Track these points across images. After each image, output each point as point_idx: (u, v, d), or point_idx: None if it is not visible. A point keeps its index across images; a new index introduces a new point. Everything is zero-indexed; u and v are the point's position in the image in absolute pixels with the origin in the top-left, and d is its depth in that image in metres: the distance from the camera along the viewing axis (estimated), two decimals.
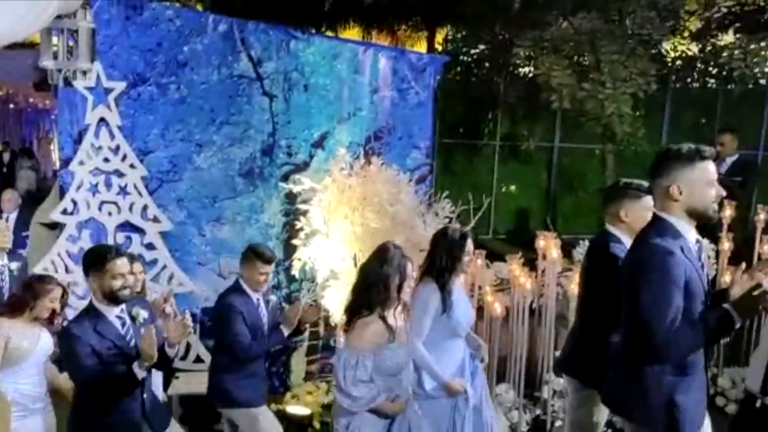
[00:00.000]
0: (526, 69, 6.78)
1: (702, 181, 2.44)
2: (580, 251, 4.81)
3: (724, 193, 2.53)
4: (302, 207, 5.11)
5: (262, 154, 5.31)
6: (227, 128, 5.22)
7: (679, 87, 7.45)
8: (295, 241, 5.11)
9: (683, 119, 7.52)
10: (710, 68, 6.50)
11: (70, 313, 3.67)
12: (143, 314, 3.14)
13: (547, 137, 7.66)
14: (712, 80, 7.02)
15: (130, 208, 5.01)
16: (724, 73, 6.01)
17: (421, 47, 8.75)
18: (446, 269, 3.34)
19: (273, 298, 3.98)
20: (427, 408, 3.23)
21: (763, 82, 7.59)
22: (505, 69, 6.53)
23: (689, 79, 7.31)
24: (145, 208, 5.03)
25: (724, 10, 6.99)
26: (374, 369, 2.84)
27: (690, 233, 2.47)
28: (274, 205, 5.34)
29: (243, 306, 3.64)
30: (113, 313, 3.01)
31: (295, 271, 5.17)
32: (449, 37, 7.71)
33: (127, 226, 5.04)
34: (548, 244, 4.18)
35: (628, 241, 2.95)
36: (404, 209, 4.74)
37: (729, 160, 5.45)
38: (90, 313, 3.00)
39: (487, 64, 7.04)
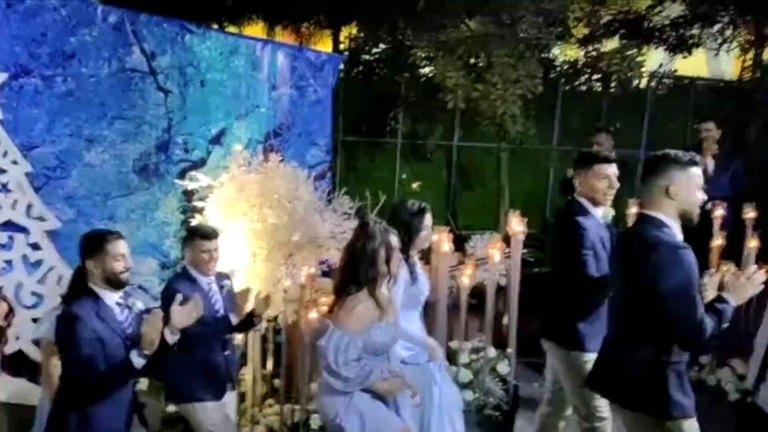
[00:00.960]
0: (426, 69, 6.99)
1: (693, 185, 2.69)
2: (471, 245, 5.03)
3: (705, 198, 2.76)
4: (199, 204, 5.04)
5: (157, 151, 5.18)
6: (120, 123, 5.05)
7: (568, 89, 7.90)
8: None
9: (572, 120, 7.98)
10: (595, 72, 6.95)
11: None
12: (139, 304, 3.04)
13: (447, 136, 7.92)
14: (598, 83, 7.50)
15: (13, 206, 4.74)
16: (606, 77, 6.44)
17: (327, 45, 8.82)
18: (405, 242, 3.29)
19: (227, 282, 3.78)
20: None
21: (643, 85, 8.22)
22: (406, 69, 6.70)
23: (577, 82, 7.78)
24: (29, 206, 4.78)
25: (609, 17, 7.50)
26: (363, 348, 2.81)
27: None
28: (170, 202, 5.23)
29: (190, 293, 3.37)
30: (113, 299, 2.92)
31: None
32: (352, 36, 7.79)
33: (9, 226, 4.77)
34: (440, 239, 4.35)
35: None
36: (302, 206, 4.78)
37: None
38: (90, 297, 2.89)
39: (388, 64, 7.19)
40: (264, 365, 4.50)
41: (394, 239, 2.92)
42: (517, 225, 4.30)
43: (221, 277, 3.77)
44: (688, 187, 2.68)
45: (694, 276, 2.60)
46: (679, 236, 2.70)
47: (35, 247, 4.82)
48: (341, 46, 8.34)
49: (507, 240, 4.62)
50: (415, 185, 8.12)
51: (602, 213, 3.39)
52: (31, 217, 4.79)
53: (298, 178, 4.89)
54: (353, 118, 7.61)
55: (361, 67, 7.58)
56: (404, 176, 8.11)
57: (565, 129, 8.04)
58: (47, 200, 4.85)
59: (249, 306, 3.62)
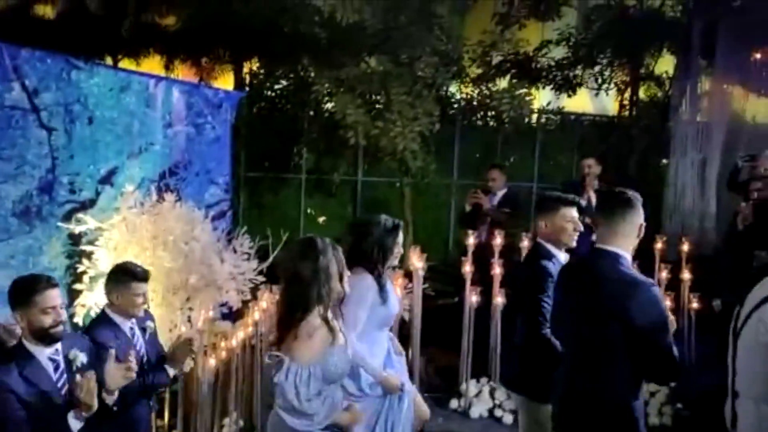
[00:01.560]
0: (329, 105, 7.05)
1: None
2: None
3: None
4: (87, 248, 4.76)
5: (39, 192, 4.84)
6: None
7: (466, 125, 8.22)
8: (78, 286, 4.73)
9: (470, 154, 8.29)
10: (488, 110, 7.27)
11: None
12: (81, 357, 2.75)
13: (351, 171, 7.98)
14: (492, 120, 7.85)
15: None
16: (498, 114, 6.75)
17: (228, 80, 8.69)
18: (378, 260, 3.15)
19: (151, 324, 3.49)
20: (363, 408, 2.99)
21: (534, 122, 8.70)
22: (308, 105, 6.72)
23: (474, 118, 8.11)
24: None
25: (500, 58, 7.91)
26: (322, 378, 2.56)
27: None
28: (54, 246, 4.89)
29: (113, 340, 3.13)
30: (45, 355, 2.64)
31: (79, 319, 4.77)
32: (253, 72, 7.74)
33: None
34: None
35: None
36: (200, 247, 4.63)
37: (499, 194, 6.09)
38: (17, 354, 2.62)
39: (291, 100, 7.19)
40: (160, 416, 4.27)
41: (342, 256, 2.69)
42: (417, 261, 4.37)
43: (142, 318, 3.46)
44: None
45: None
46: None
47: None
48: (245, 81, 8.26)
49: (410, 275, 4.68)
50: (320, 220, 8.09)
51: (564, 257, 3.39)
52: None
53: (195, 218, 4.75)
54: (256, 154, 7.52)
55: (263, 103, 7.53)
56: (309, 211, 8.07)
57: (464, 163, 8.33)
58: None
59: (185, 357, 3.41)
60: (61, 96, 4.85)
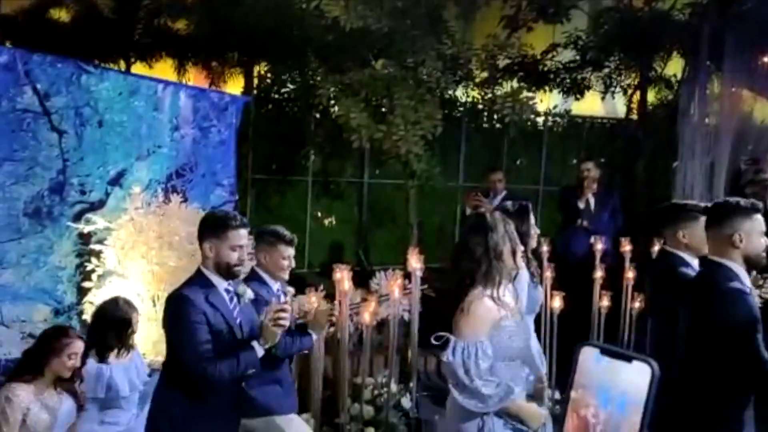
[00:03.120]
0: (335, 108, 7.15)
1: (757, 231, 2.73)
2: (376, 281, 5.12)
3: None
4: (96, 247, 4.89)
5: (50, 193, 5.00)
6: (9, 165, 4.85)
7: (472, 128, 8.27)
8: (87, 284, 4.86)
9: (477, 157, 8.33)
10: (491, 113, 7.32)
11: None
12: (249, 293, 2.88)
13: (357, 174, 8.06)
14: (497, 123, 7.89)
15: None
16: (500, 118, 6.79)
17: (239, 83, 8.83)
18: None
19: (291, 289, 3.75)
20: None
21: (541, 125, 8.73)
22: (314, 108, 6.82)
23: (479, 122, 8.16)
24: None
25: (508, 61, 7.95)
26: (494, 354, 2.42)
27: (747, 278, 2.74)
28: (65, 246, 5.04)
29: (265, 296, 3.24)
30: (222, 286, 2.79)
31: (88, 316, 4.90)
32: (261, 75, 7.86)
33: None
34: (342, 276, 4.41)
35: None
36: None
37: (500, 197, 6.15)
38: (200, 280, 2.76)
39: (297, 103, 7.29)
40: None
41: (514, 231, 2.61)
42: (415, 262, 4.44)
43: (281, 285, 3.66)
44: (752, 233, 2.74)
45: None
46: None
47: None
48: (254, 85, 8.39)
49: (409, 276, 4.75)
50: (327, 222, 8.18)
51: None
52: None
53: (200, 220, 4.85)
54: (263, 157, 7.63)
55: (270, 106, 7.64)
56: (316, 213, 8.17)
57: (470, 166, 8.38)
58: None
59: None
60: (71, 99, 5.01)
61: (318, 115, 7.13)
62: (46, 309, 4.96)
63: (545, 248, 5.09)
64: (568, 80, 8.38)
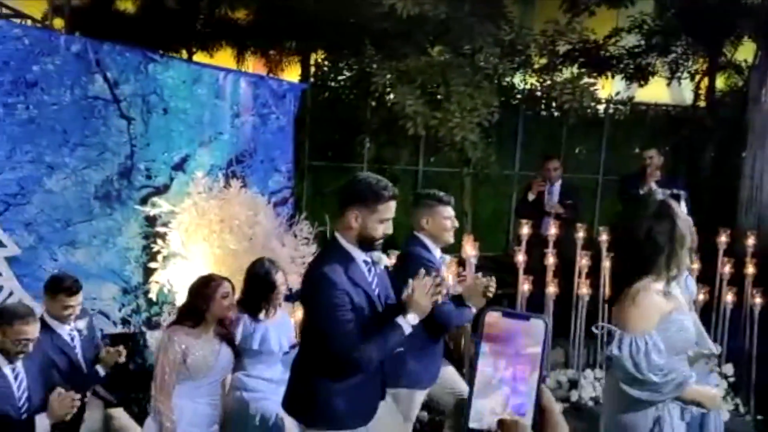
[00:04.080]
0: (391, 96, 7.18)
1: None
2: None
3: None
4: (161, 230, 5.09)
5: (119, 177, 5.23)
6: (81, 150, 5.10)
7: (530, 115, 8.14)
8: (153, 264, 5.07)
9: (533, 145, 8.20)
10: (549, 101, 7.19)
11: None
12: (385, 260, 2.75)
13: (412, 161, 8.07)
14: (556, 110, 7.74)
15: None
16: (559, 105, 6.66)
17: (295, 71, 8.97)
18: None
19: (447, 257, 3.72)
20: None
21: (601, 113, 8.51)
22: (370, 96, 6.86)
23: (537, 109, 8.03)
24: None
25: (568, 47, 7.77)
26: (665, 349, 2.28)
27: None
28: (132, 228, 5.26)
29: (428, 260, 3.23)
30: (362, 258, 2.59)
31: (153, 295, 5.12)
32: (318, 64, 7.96)
33: None
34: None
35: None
36: (262, 231, 4.87)
37: (557, 184, 6.04)
38: (339, 254, 2.54)
39: (353, 90, 7.35)
40: None
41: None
42: (470, 249, 4.43)
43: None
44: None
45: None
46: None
47: None
48: (310, 72, 8.51)
49: (463, 263, 4.75)
50: None
51: None
52: None
53: (258, 204, 4.99)
54: (320, 144, 7.74)
55: (327, 93, 7.74)
56: None
57: (527, 154, 8.26)
58: (7, 226, 4.86)
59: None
60: (139, 87, 5.20)
61: (374, 103, 7.16)
62: (114, 288, 5.20)
63: (604, 237, 5.00)
64: (631, 66, 8.13)
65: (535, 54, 7.44)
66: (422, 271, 2.61)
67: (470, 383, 0.95)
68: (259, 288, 3.62)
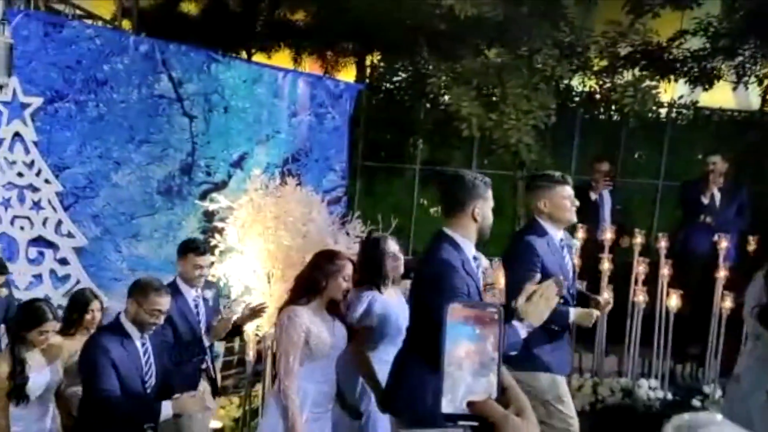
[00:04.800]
0: (446, 97, 7.17)
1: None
2: (487, 270, 5.10)
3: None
4: (219, 225, 5.24)
5: (181, 173, 5.43)
6: (146, 147, 5.32)
7: (588, 118, 7.97)
8: (210, 258, 5.21)
9: (591, 148, 8.02)
10: (609, 104, 7.04)
11: None
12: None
13: (466, 163, 8.03)
14: (615, 114, 7.57)
15: (44, 223, 5.02)
16: (619, 108, 6.52)
17: (351, 72, 9.06)
18: None
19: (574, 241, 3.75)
20: None
21: (664, 116, 8.25)
22: (424, 97, 6.87)
23: (596, 112, 7.85)
24: (59, 223, 5.05)
25: (630, 49, 7.58)
26: None
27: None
28: (191, 222, 5.45)
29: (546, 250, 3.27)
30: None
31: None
32: (374, 65, 8.02)
33: (40, 241, 5.04)
34: None
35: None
36: (316, 228, 4.94)
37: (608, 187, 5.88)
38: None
39: (408, 92, 7.38)
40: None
41: None
42: None
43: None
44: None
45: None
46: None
47: (63, 262, 5.07)
48: (366, 73, 8.59)
49: None
50: (432, 211, 8.23)
51: None
52: (60, 234, 5.05)
53: (313, 202, 5.07)
54: (373, 144, 7.79)
55: (382, 95, 7.78)
56: (422, 201, 8.24)
57: (584, 158, 8.09)
58: (75, 218, 5.12)
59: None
60: (201, 87, 5.39)
61: (428, 104, 7.18)
62: None
63: (663, 244, 4.87)
64: (696, 69, 7.84)
65: (595, 56, 7.29)
66: (550, 282, 2.62)
67: (440, 371, 1.00)
68: (379, 262, 3.50)
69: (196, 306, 3.82)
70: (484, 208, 2.91)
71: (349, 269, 3.17)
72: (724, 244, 4.44)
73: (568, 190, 3.28)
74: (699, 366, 5.06)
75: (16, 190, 4.97)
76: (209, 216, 5.38)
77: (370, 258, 3.58)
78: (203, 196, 5.42)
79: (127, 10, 7.38)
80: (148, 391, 3.12)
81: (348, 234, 5.10)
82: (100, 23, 6.32)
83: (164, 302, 3.14)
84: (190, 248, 3.80)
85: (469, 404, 0.95)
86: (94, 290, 3.86)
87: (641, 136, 8.11)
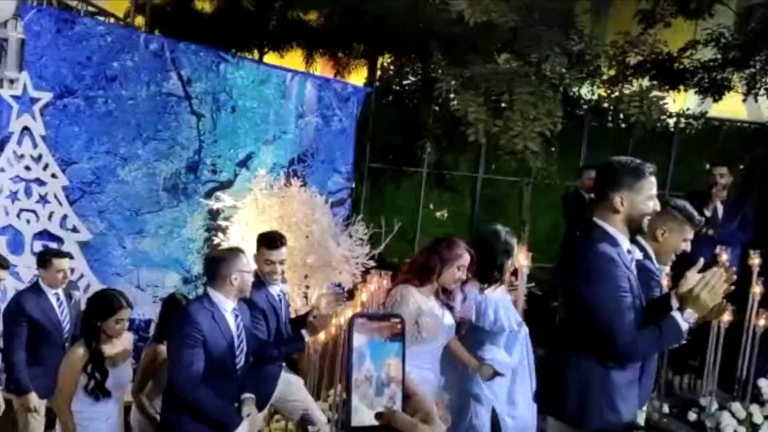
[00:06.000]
0: (454, 102, 7.17)
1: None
2: None
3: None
4: (223, 223, 5.27)
5: (187, 171, 5.46)
6: (153, 144, 5.36)
7: (595, 126, 7.96)
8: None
9: (598, 157, 8.00)
10: (617, 113, 7.02)
11: None
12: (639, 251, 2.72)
13: (473, 168, 8.04)
14: (623, 123, 7.54)
15: (50, 217, 5.07)
16: (626, 117, 6.50)
17: (362, 74, 9.08)
18: None
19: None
20: None
21: (671, 127, 8.22)
22: (433, 101, 6.88)
23: (603, 121, 7.84)
24: (64, 217, 5.10)
25: (640, 58, 7.56)
26: None
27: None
28: (196, 220, 5.49)
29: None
30: (626, 244, 2.58)
31: None
32: (384, 67, 8.03)
33: (45, 235, 5.09)
34: None
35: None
36: (319, 230, 4.97)
37: (588, 196, 5.82)
38: (606, 238, 2.51)
39: (417, 95, 7.39)
40: None
41: None
42: (523, 259, 4.38)
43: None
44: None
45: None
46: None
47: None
48: (376, 76, 8.61)
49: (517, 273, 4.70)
50: (438, 215, 8.24)
51: None
52: (65, 228, 5.10)
53: (317, 204, 5.09)
54: (381, 146, 7.81)
55: (391, 97, 7.80)
56: (429, 205, 8.25)
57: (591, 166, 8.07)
58: (81, 213, 5.16)
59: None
60: (210, 86, 5.43)
61: (437, 108, 7.18)
62: (176, 277, 5.43)
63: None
64: (706, 80, 7.81)
65: (605, 65, 7.28)
66: (717, 269, 2.45)
67: (347, 385, 1.02)
68: (495, 258, 3.31)
69: (280, 301, 3.61)
70: (633, 198, 2.49)
71: (465, 260, 3.02)
72: (724, 256, 4.42)
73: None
74: (697, 378, 5.04)
75: (23, 184, 5.03)
76: (213, 214, 5.41)
77: (487, 251, 3.31)
78: (208, 195, 5.46)
79: (141, 7, 7.43)
80: (238, 368, 3.03)
81: (351, 236, 5.12)
82: (112, 20, 6.35)
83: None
84: (263, 241, 3.60)
85: (378, 416, 0.97)
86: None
87: (648, 146, 8.08)
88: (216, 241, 5.21)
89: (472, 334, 3.33)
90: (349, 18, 7.82)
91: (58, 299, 3.80)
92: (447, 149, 7.58)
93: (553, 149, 6.50)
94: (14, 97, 4.97)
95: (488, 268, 3.33)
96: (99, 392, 3.01)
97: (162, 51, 5.30)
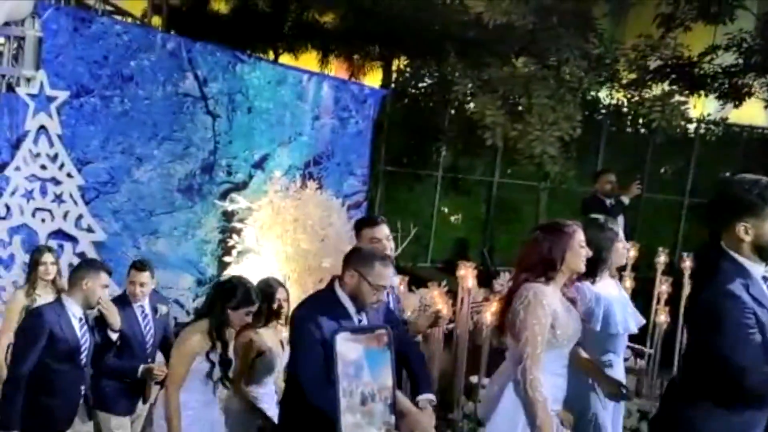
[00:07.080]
0: (471, 105, 7.11)
1: None
2: (500, 282, 5.02)
3: None
4: (238, 225, 5.23)
5: (202, 172, 5.43)
6: (169, 144, 5.32)
7: (614, 131, 7.87)
8: (227, 258, 5.21)
9: (616, 162, 7.91)
10: (637, 117, 6.93)
11: None
12: None
13: (488, 172, 7.97)
14: (642, 128, 7.45)
15: (64, 217, 5.05)
16: (646, 122, 6.41)
17: (377, 77, 9.04)
18: None
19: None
20: None
21: (692, 132, 8.11)
22: (449, 104, 6.82)
23: (622, 126, 7.74)
24: (79, 217, 5.07)
25: (660, 62, 7.46)
26: None
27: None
28: (210, 221, 5.45)
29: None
30: (759, 272, 2.25)
31: None
32: (400, 70, 7.98)
33: (59, 234, 5.06)
34: (466, 274, 4.38)
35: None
36: (335, 233, 4.90)
37: (609, 201, 5.72)
38: (737, 271, 2.18)
39: (433, 98, 7.34)
40: None
41: None
42: None
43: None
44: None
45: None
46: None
47: (81, 256, 5.08)
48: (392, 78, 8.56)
49: None
50: (453, 218, 8.17)
51: None
52: (80, 228, 5.08)
53: (332, 206, 5.03)
54: (396, 150, 7.76)
55: (407, 100, 7.75)
56: (443, 209, 8.18)
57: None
58: (96, 213, 5.14)
59: None
60: (226, 86, 5.39)
61: (453, 111, 7.12)
62: (190, 278, 5.40)
63: (687, 264, 4.75)
64: (727, 85, 7.70)
65: (624, 69, 7.19)
66: None
67: (336, 402, 0.95)
68: (602, 252, 2.96)
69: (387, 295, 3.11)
70: (761, 226, 2.21)
71: (581, 234, 2.63)
72: None
73: None
74: None
75: (38, 183, 5.01)
76: (228, 216, 5.37)
77: (594, 241, 2.85)
78: (223, 196, 5.42)
79: (157, 7, 7.43)
80: None
81: None
82: (129, 20, 6.35)
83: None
84: (364, 223, 3.24)
85: None
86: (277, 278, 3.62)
87: (667, 151, 7.99)
88: (231, 243, 5.17)
89: (589, 337, 2.92)
90: (364, 20, 7.78)
91: (142, 311, 3.69)
92: (462, 153, 7.51)
93: (570, 154, 6.41)
94: (31, 96, 4.96)
95: (598, 260, 2.93)
96: (225, 379, 3.03)
97: (179, 51, 5.27)
